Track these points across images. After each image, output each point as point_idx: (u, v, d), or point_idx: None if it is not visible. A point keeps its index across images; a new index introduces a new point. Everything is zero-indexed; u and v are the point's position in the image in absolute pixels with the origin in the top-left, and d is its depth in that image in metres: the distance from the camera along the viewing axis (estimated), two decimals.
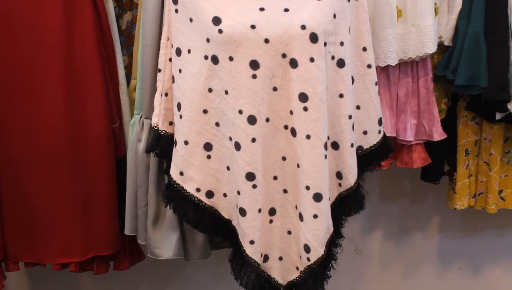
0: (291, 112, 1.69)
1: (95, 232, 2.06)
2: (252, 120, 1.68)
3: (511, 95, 2.12)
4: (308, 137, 1.68)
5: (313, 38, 1.64)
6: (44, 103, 1.97)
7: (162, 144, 1.86)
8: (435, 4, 2.10)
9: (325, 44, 1.68)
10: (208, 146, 1.77)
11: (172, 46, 1.79)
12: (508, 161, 2.37)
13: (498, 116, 2.19)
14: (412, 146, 2.24)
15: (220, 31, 1.65)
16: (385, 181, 2.71)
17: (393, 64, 2.08)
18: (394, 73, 2.15)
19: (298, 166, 1.72)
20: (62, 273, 2.17)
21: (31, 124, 1.98)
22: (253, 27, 1.64)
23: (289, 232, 1.81)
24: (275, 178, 1.77)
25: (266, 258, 1.82)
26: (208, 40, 1.68)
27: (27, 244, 2.07)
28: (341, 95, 1.76)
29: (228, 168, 1.77)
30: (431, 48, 2.08)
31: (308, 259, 1.77)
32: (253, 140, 1.69)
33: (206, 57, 1.70)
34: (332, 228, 1.78)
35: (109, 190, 2.05)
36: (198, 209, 1.81)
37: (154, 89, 1.89)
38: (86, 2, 1.98)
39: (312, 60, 1.65)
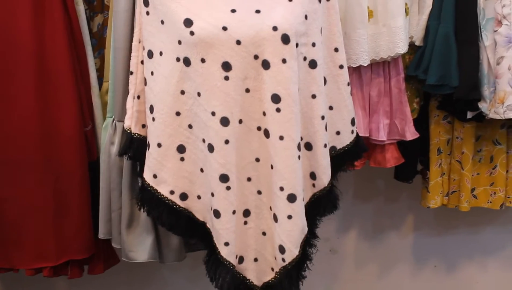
0: (264, 114, 1.69)
1: (68, 236, 2.04)
2: (225, 121, 1.67)
3: (481, 94, 2.14)
4: (281, 138, 1.69)
5: (285, 39, 1.65)
6: (14, 106, 1.95)
7: (135, 147, 1.85)
8: (406, 4, 2.12)
9: (297, 45, 1.68)
10: (181, 148, 1.76)
11: (144, 49, 1.78)
12: (480, 160, 2.39)
13: (470, 115, 2.22)
14: (385, 145, 2.25)
15: (192, 33, 1.64)
16: (359, 181, 2.72)
17: (365, 65, 2.08)
18: (366, 73, 2.16)
19: (272, 167, 1.72)
20: (36, 278, 2.15)
21: (2, 127, 1.96)
22: (224, 28, 1.64)
23: (264, 233, 1.81)
24: (249, 179, 1.77)
25: (241, 259, 1.82)
26: (179, 42, 1.68)
27: (1, 253, 2.05)
28: (313, 96, 1.76)
29: (201, 170, 1.77)
30: (402, 48, 2.10)
31: (283, 260, 1.77)
32: (226, 141, 1.68)
33: (178, 59, 1.69)
34: (306, 229, 1.79)
35: (82, 193, 2.04)
36: (172, 212, 1.81)
37: (126, 92, 1.88)
38: (56, 5, 1.96)
39: (284, 61, 1.65)
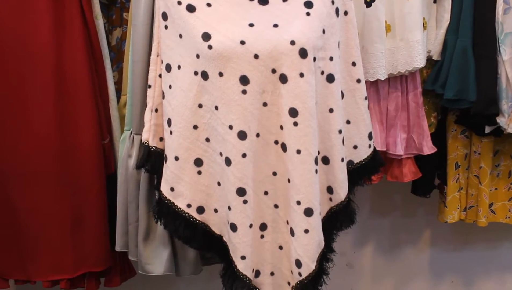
0: (281, 127, 1.69)
1: (86, 248, 2.05)
2: (242, 135, 1.68)
3: (499, 108, 2.13)
4: (298, 152, 1.68)
5: (303, 53, 1.65)
6: (34, 118, 1.96)
7: (152, 160, 1.86)
8: (424, 19, 2.12)
9: (314, 59, 1.68)
10: (198, 162, 1.77)
11: (162, 62, 1.79)
12: (498, 174, 2.38)
13: (487, 129, 2.21)
14: (402, 160, 2.24)
15: (210, 47, 1.65)
16: (376, 195, 2.72)
17: (383, 79, 2.08)
18: (383, 87, 2.16)
19: (289, 181, 1.72)
20: None
21: (21, 139, 1.97)
22: (242, 42, 1.64)
23: (281, 247, 1.81)
24: (266, 193, 1.77)
25: (257, 273, 1.81)
26: (198, 56, 1.68)
27: (17, 261, 2.06)
28: (331, 110, 1.76)
29: (218, 183, 1.77)
30: (420, 62, 2.09)
31: (300, 274, 1.76)
32: (244, 155, 1.69)
33: (196, 73, 1.70)
34: (323, 243, 1.78)
35: (99, 206, 2.05)
36: (189, 225, 1.81)
37: (144, 105, 1.89)
38: (75, 18, 1.98)
39: (301, 75, 1.65)
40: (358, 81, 1.84)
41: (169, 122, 1.77)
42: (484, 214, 2.36)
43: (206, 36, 1.66)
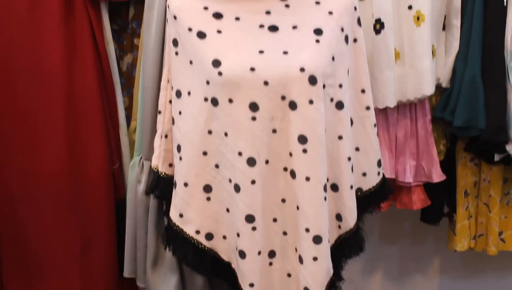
0: (291, 154, 1.70)
1: (94, 273, 2.05)
2: (251, 162, 1.68)
3: (509, 136, 2.13)
4: (307, 179, 1.68)
5: (312, 80, 1.65)
6: (44, 142, 1.97)
7: (161, 186, 1.86)
8: (433, 46, 2.12)
9: (324, 86, 1.69)
10: (207, 188, 1.77)
11: (172, 88, 1.80)
12: (508, 203, 2.36)
13: (497, 157, 2.20)
14: (411, 187, 2.24)
15: (220, 73, 1.66)
16: (385, 222, 2.71)
17: (392, 106, 2.08)
18: (392, 114, 2.16)
19: (298, 208, 1.71)
20: None
21: (31, 163, 1.98)
22: (252, 69, 1.65)
23: (289, 275, 1.80)
24: (274, 220, 1.76)
25: None
26: (208, 82, 1.69)
27: (25, 284, 2.06)
28: (340, 137, 1.76)
29: (227, 210, 1.77)
30: (429, 90, 2.09)
31: None
32: (253, 182, 1.68)
33: (206, 99, 1.71)
34: (332, 271, 1.77)
35: (108, 231, 2.05)
36: (198, 251, 1.80)
37: (154, 131, 1.90)
38: (86, 44, 2.00)
39: (311, 102, 1.66)
40: (368, 108, 1.85)
41: (179, 148, 1.77)
42: (494, 243, 2.35)
43: (216, 63, 1.67)
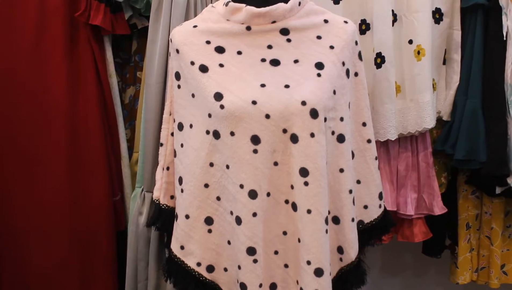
0: (292, 187, 1.70)
1: None
2: (253, 194, 1.68)
3: (510, 169, 2.13)
4: (309, 211, 1.68)
5: (314, 113, 1.66)
6: (46, 174, 1.98)
7: (163, 218, 1.86)
8: (433, 80, 2.14)
9: (325, 119, 1.70)
10: (209, 220, 1.77)
11: (174, 121, 1.81)
12: (510, 235, 2.36)
13: (498, 190, 2.20)
14: (412, 220, 2.24)
15: (222, 106, 1.67)
16: (387, 255, 2.70)
17: (393, 139, 2.09)
18: (393, 147, 2.17)
19: (299, 240, 1.71)
20: None
21: (33, 194, 1.99)
22: (254, 102, 1.66)
23: None
24: (276, 252, 1.76)
25: None
26: (210, 116, 1.70)
27: None
28: (341, 170, 1.77)
29: (229, 242, 1.76)
30: (430, 123, 2.10)
31: None
32: (254, 214, 1.69)
33: (207, 132, 1.72)
34: None
35: (108, 262, 2.05)
36: (199, 284, 1.80)
37: (155, 163, 1.91)
38: (90, 77, 2.02)
39: (312, 135, 1.67)
40: (369, 141, 1.86)
41: (180, 180, 1.78)
42: (496, 276, 2.34)
43: (218, 96, 1.68)
